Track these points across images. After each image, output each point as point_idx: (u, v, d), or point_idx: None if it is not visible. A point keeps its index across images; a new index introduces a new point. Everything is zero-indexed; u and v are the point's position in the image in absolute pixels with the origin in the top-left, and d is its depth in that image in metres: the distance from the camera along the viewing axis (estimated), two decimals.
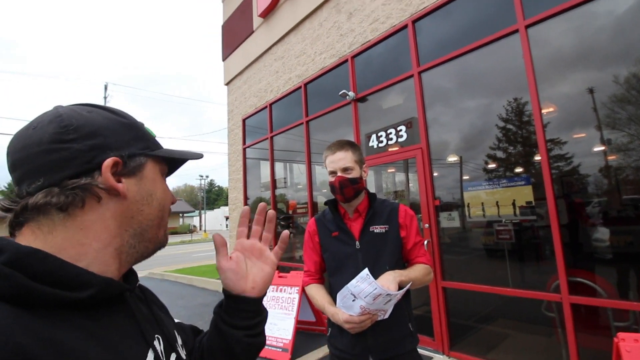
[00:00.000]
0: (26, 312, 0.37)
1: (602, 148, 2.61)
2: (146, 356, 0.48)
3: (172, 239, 32.65)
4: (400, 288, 1.22)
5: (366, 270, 1.09)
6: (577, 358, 2.51)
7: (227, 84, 7.57)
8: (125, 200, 0.50)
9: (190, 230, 41.93)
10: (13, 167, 0.47)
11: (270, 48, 6.14)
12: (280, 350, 3.61)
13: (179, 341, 0.62)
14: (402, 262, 1.44)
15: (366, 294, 1.08)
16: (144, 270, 11.41)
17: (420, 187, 3.64)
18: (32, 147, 0.45)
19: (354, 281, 1.10)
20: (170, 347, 0.57)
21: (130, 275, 0.56)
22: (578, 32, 2.75)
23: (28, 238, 0.45)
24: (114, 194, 0.48)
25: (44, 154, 0.45)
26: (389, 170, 4.72)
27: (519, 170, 3.08)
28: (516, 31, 2.96)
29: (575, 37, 2.77)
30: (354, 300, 1.12)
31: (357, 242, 1.41)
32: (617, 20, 2.59)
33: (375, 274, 1.35)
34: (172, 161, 0.60)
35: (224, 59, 7.62)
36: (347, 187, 1.40)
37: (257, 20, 6.41)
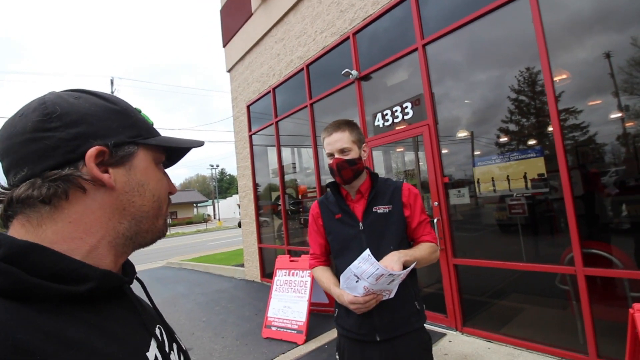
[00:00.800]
0: (25, 307, 0.36)
1: (620, 115, 2.48)
2: (149, 345, 0.48)
3: (187, 228, 33.41)
4: (404, 268, 1.20)
5: (367, 251, 1.07)
6: (593, 330, 2.47)
7: (229, 70, 7.48)
8: (114, 192, 0.47)
9: (205, 219, 42.78)
10: (1, 156, 0.45)
11: (270, 30, 6.00)
12: (295, 332, 3.69)
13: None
14: (407, 241, 1.41)
15: (369, 274, 1.07)
16: (162, 260, 11.75)
17: (429, 164, 3.56)
18: (17, 135, 0.44)
19: (356, 262, 1.08)
20: (171, 337, 0.56)
21: (128, 267, 0.55)
22: None
23: (19, 232, 0.43)
24: (100, 185, 0.46)
25: (27, 143, 0.43)
26: (398, 150, 4.63)
27: (531, 142, 2.97)
28: None
29: None
30: (357, 282, 1.11)
31: (361, 224, 1.38)
32: None
33: (380, 255, 1.33)
34: (172, 150, 0.57)
35: (224, 45, 7.50)
36: (345, 169, 1.36)
37: (255, 2, 6.24)
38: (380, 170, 4.61)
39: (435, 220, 3.45)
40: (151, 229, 0.53)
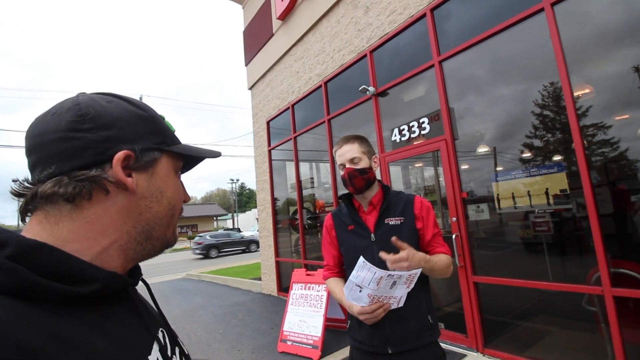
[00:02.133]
0: (30, 306, 0.36)
1: None
2: (151, 348, 0.48)
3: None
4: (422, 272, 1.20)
5: (362, 258, 1.09)
6: (623, 354, 2.33)
7: (250, 88, 7.75)
8: (134, 196, 0.48)
9: (221, 230, 43.28)
10: (29, 151, 0.46)
11: (290, 49, 6.22)
12: (311, 347, 3.66)
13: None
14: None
15: (368, 280, 1.09)
16: (182, 272, 11.96)
17: (446, 179, 3.53)
18: (48, 133, 0.45)
19: (354, 272, 1.11)
20: (173, 341, 0.56)
21: (134, 269, 0.55)
22: (612, 5, 2.56)
23: (35, 228, 0.44)
24: (123, 188, 0.47)
25: (58, 142, 0.44)
26: (417, 165, 4.61)
27: (551, 158, 2.91)
28: (542, 10, 2.79)
29: (609, 12, 2.58)
30: (360, 291, 1.13)
31: (372, 235, 1.41)
32: None
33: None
34: (189, 158, 0.58)
35: (246, 64, 7.81)
36: (356, 178, 1.41)
37: (276, 23, 6.51)
38: (399, 185, 4.60)
39: (453, 237, 3.39)
40: (161, 237, 0.53)
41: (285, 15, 6.15)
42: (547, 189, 2.85)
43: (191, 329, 5.05)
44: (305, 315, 3.94)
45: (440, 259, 1.36)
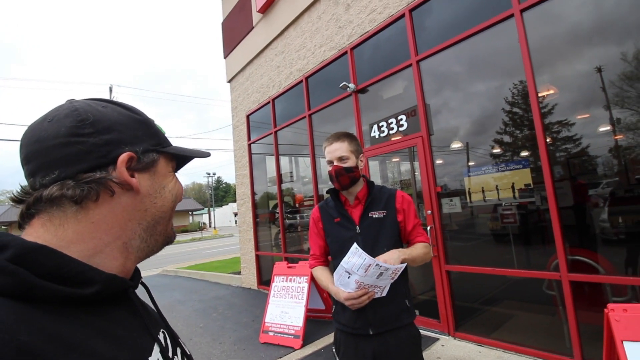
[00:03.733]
0: (31, 308, 0.37)
1: (609, 128, 2.59)
2: (152, 349, 0.49)
3: (182, 237, 33.16)
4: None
5: (355, 245, 1.19)
6: (577, 334, 2.59)
7: (229, 81, 7.66)
8: (138, 195, 0.50)
9: (200, 227, 42.55)
10: (26, 159, 0.47)
11: (270, 43, 6.20)
12: (292, 337, 3.76)
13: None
14: (400, 244, 1.53)
15: (358, 266, 1.18)
16: (157, 268, 11.72)
17: (422, 174, 3.71)
18: (47, 140, 0.45)
19: (345, 258, 1.20)
20: (175, 342, 0.57)
21: (134, 272, 0.56)
22: (576, 11, 2.78)
23: (38, 231, 0.45)
24: (127, 189, 0.49)
25: (60, 147, 0.45)
26: (394, 160, 4.78)
27: (519, 153, 3.13)
28: (512, 15, 2.98)
29: (574, 18, 2.79)
30: (349, 277, 1.23)
31: (357, 227, 1.51)
32: None
33: (374, 254, 1.45)
34: (180, 158, 0.61)
35: (225, 57, 7.69)
36: (342, 176, 1.50)
37: (256, 16, 6.46)
38: (376, 179, 4.75)
39: (428, 228, 3.58)
40: (163, 232, 0.55)
41: (265, 9, 6.12)
42: (513, 183, 3.08)
43: (172, 324, 4.93)
44: (286, 306, 4.04)
45: (417, 248, 1.50)
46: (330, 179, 1.55)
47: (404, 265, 1.29)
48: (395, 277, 1.27)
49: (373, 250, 1.47)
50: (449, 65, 3.60)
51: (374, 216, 1.51)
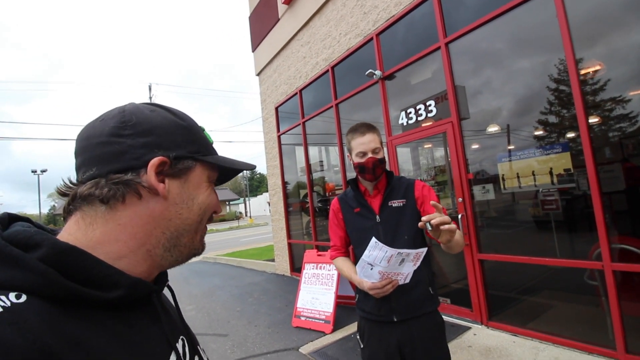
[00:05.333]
0: (56, 309, 0.38)
1: None
2: (169, 358, 0.49)
3: (220, 225, 34.70)
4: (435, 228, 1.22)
5: (374, 239, 1.21)
6: (621, 326, 2.45)
7: (258, 74, 7.80)
8: (165, 202, 0.50)
9: (237, 217, 44.24)
10: (76, 153, 0.49)
11: (296, 34, 6.21)
12: (323, 322, 3.88)
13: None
14: (421, 232, 1.54)
15: (380, 259, 1.21)
16: (198, 256, 12.39)
17: (452, 161, 3.61)
18: (94, 137, 0.48)
19: (366, 252, 1.23)
20: (193, 349, 0.57)
21: (160, 275, 0.56)
22: None
23: (72, 227, 0.46)
24: (155, 194, 0.48)
25: (101, 146, 0.47)
26: (426, 146, 4.66)
27: (558, 136, 2.94)
28: None
29: None
30: (372, 269, 1.26)
31: (377, 216, 1.53)
32: None
33: (395, 244, 1.47)
34: (224, 170, 0.59)
35: (253, 50, 7.82)
36: (378, 167, 1.51)
37: (281, 8, 6.49)
38: (408, 166, 4.67)
39: (459, 216, 3.50)
40: (189, 244, 0.54)
41: (290, 0, 6.11)
42: (551, 168, 2.91)
43: (211, 308, 5.36)
44: (317, 292, 4.16)
45: (459, 233, 1.42)
46: (362, 170, 1.53)
47: (425, 249, 1.28)
48: (418, 263, 1.28)
49: (394, 238, 1.49)
50: (481, 46, 3.43)
51: (393, 205, 1.52)
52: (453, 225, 1.19)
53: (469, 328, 3.35)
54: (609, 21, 2.62)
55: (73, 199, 0.47)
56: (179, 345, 0.52)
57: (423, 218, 1.19)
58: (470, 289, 3.47)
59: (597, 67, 2.70)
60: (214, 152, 0.58)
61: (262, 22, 7.33)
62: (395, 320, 1.47)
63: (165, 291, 0.59)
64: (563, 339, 2.79)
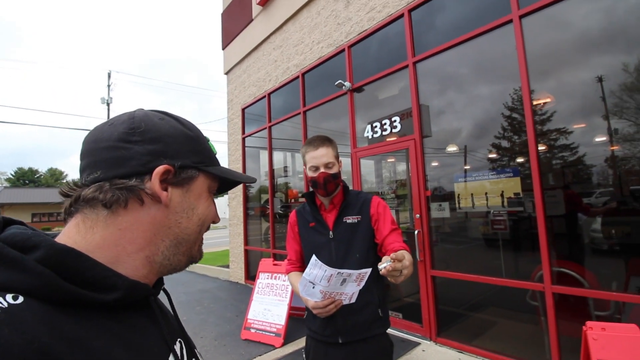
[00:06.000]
0: (54, 310, 0.38)
1: (604, 138, 2.55)
2: (167, 359, 0.49)
3: None
4: (373, 267, 1.23)
5: (314, 257, 1.14)
6: (557, 346, 2.58)
7: (226, 73, 7.56)
8: (166, 209, 0.50)
9: None
10: (82, 155, 0.50)
11: (269, 37, 6.11)
12: (274, 335, 3.73)
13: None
14: (374, 250, 1.49)
15: (320, 277, 1.14)
16: None
17: (412, 177, 3.67)
18: (101, 141, 0.48)
19: (307, 269, 1.16)
20: (190, 351, 0.57)
21: (157, 279, 0.56)
22: (577, 19, 2.73)
23: (71, 230, 0.46)
24: (157, 201, 0.49)
25: (108, 150, 0.47)
26: (389, 160, 4.72)
27: (510, 161, 3.09)
28: (510, 21, 2.93)
29: (572, 26, 2.75)
30: (313, 287, 1.19)
31: (331, 232, 1.47)
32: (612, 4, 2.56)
33: (347, 261, 1.41)
34: (224, 181, 0.60)
35: (223, 48, 7.59)
36: (330, 183, 1.45)
37: (256, 9, 6.37)
38: (371, 178, 4.70)
39: (416, 232, 3.55)
40: (187, 253, 0.54)
41: (265, 2, 6.02)
42: (502, 191, 3.04)
43: None
44: (270, 304, 4.00)
45: (409, 260, 1.32)
46: (314, 185, 1.48)
47: (369, 270, 1.21)
48: (362, 283, 1.21)
49: (346, 256, 1.43)
50: (446, 69, 3.55)
51: (347, 221, 1.47)
52: (406, 270, 1.13)
53: (419, 344, 3.38)
54: (561, 57, 2.81)
55: (76, 201, 0.46)
56: (177, 348, 0.52)
57: (380, 264, 1.09)
58: (422, 304, 3.51)
59: (548, 99, 2.88)
60: (217, 163, 0.59)
61: (234, 21, 7.15)
62: (340, 342, 1.39)
63: (161, 295, 0.58)
64: (505, 357, 2.88)
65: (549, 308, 2.62)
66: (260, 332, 3.83)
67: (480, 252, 3.41)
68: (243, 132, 6.92)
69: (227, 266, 7.59)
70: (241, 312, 4.72)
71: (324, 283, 1.15)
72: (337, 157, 1.50)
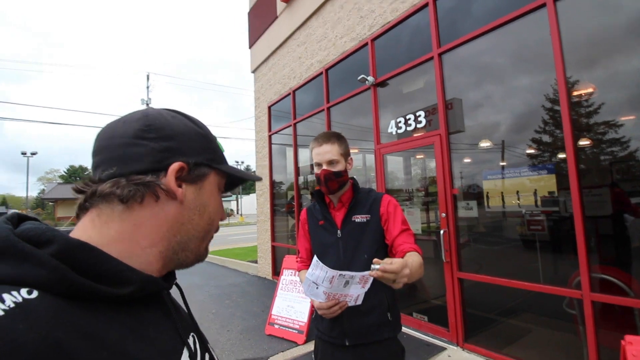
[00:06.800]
0: (68, 304, 0.38)
1: None
2: (181, 353, 0.49)
3: None
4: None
5: (315, 258, 1.11)
6: (597, 358, 2.36)
7: (253, 71, 7.67)
8: (180, 206, 0.51)
9: (228, 214, 44.00)
10: (95, 152, 0.50)
11: (293, 33, 6.11)
12: (297, 331, 3.76)
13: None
14: (384, 251, 1.43)
15: (322, 279, 1.11)
16: None
17: (438, 174, 3.51)
18: (116, 137, 0.49)
19: (309, 270, 1.13)
20: (204, 346, 0.57)
21: (169, 273, 0.56)
22: (616, 7, 2.45)
23: (86, 226, 0.47)
24: (172, 197, 0.50)
25: (124, 146, 0.48)
26: (419, 157, 4.56)
27: (545, 157, 2.86)
28: (543, 5, 2.69)
29: (615, 9, 2.47)
30: (317, 288, 1.16)
31: (339, 231, 1.43)
32: None
33: (354, 262, 1.37)
34: (232, 178, 0.61)
35: (250, 47, 7.70)
36: (331, 181, 1.41)
37: (280, 6, 6.38)
38: (400, 175, 4.57)
39: (441, 232, 3.40)
40: (195, 250, 0.55)
41: None
42: (536, 190, 2.82)
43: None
44: (293, 300, 4.03)
45: (414, 260, 1.27)
46: (318, 182, 1.46)
47: (371, 273, 1.13)
48: (368, 285, 1.16)
49: (353, 257, 1.38)
50: (477, 59, 3.34)
51: (356, 220, 1.42)
52: (405, 279, 1.04)
53: (444, 349, 3.25)
54: (606, 43, 2.54)
55: (91, 196, 0.47)
56: (190, 341, 0.53)
57: (373, 273, 1.01)
58: (448, 308, 3.36)
59: (590, 90, 2.62)
60: (225, 161, 0.60)
61: (260, 19, 7.22)
62: (347, 344, 1.36)
63: (174, 291, 0.59)
64: None
65: (587, 317, 2.41)
66: (284, 328, 3.88)
67: (513, 254, 3.20)
68: (269, 130, 7.00)
69: (256, 261, 7.76)
70: (267, 307, 4.80)
71: (327, 284, 1.12)
72: (344, 155, 1.45)
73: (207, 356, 0.56)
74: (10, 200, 70.39)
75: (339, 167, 1.42)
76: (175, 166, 0.49)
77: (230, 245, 13.05)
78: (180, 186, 0.50)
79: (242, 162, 51.41)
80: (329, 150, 1.42)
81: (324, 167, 1.42)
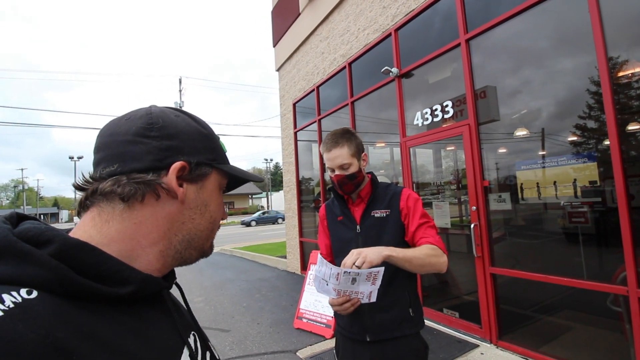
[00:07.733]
0: (68, 304, 0.38)
1: None
2: (182, 352, 0.49)
3: (242, 218, 35.33)
4: (385, 265, 1.15)
5: (319, 255, 1.11)
6: None
7: (278, 69, 7.76)
8: (181, 205, 0.51)
9: (259, 210, 44.92)
10: (97, 148, 0.50)
11: (315, 29, 6.10)
12: (324, 325, 3.79)
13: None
14: (404, 246, 1.39)
15: (328, 275, 1.11)
16: (217, 247, 12.67)
17: (467, 166, 3.38)
18: (119, 135, 0.49)
19: (316, 267, 1.13)
20: (205, 345, 0.57)
21: (169, 272, 0.56)
22: None
23: (87, 224, 0.47)
24: (173, 196, 0.50)
25: (126, 144, 0.48)
26: (448, 148, 4.42)
27: (588, 145, 2.67)
28: None
29: None
30: (327, 285, 1.15)
31: (358, 226, 1.42)
32: None
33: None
34: (234, 178, 0.61)
35: (274, 45, 7.78)
36: (346, 185, 1.40)
37: (302, 2, 6.38)
38: (429, 168, 4.45)
39: (472, 226, 3.28)
40: (199, 248, 0.55)
41: None
42: (575, 179, 2.64)
43: (219, 301, 5.40)
44: (320, 295, 4.05)
45: (417, 249, 1.27)
46: (333, 185, 1.46)
47: (381, 269, 1.11)
48: (378, 282, 1.13)
49: None
50: (507, 43, 3.17)
51: (375, 215, 1.40)
52: (391, 252, 1.17)
53: (477, 346, 3.14)
54: None
55: (92, 194, 0.47)
56: (191, 340, 0.53)
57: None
58: (480, 304, 3.25)
59: (638, 69, 2.41)
60: (227, 161, 0.60)
61: (283, 17, 7.27)
62: (368, 339, 1.35)
63: (174, 290, 0.59)
64: None
65: (633, 315, 2.23)
66: (312, 322, 3.92)
67: (552, 248, 3.02)
68: (295, 127, 7.05)
69: (285, 257, 7.89)
70: (295, 302, 4.88)
71: (334, 281, 1.12)
72: (355, 155, 1.40)
73: (207, 355, 0.56)
74: (61, 201, 76.17)
75: (352, 170, 1.39)
76: (176, 165, 0.49)
77: (261, 242, 13.35)
78: (181, 185, 0.50)
79: (271, 160, 52.32)
80: (339, 155, 1.38)
81: (337, 172, 1.40)
